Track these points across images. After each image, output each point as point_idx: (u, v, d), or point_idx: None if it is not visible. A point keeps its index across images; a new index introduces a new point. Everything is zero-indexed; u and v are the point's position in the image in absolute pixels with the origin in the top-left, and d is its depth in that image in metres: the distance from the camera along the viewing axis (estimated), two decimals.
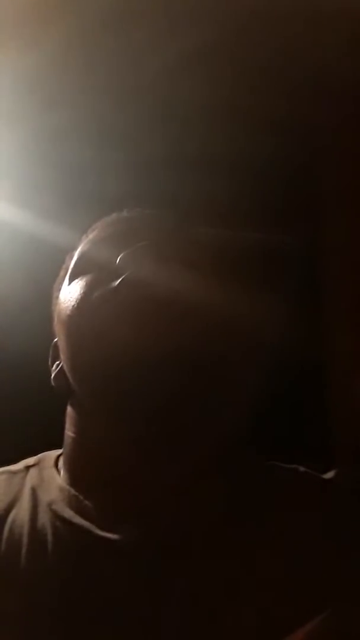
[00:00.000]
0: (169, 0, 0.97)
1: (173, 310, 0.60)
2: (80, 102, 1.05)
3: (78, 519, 0.62)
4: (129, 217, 0.70)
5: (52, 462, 0.70)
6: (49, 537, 0.62)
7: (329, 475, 0.68)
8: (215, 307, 0.63)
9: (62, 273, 0.71)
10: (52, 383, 0.70)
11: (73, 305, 0.64)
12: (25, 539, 0.62)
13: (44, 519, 0.63)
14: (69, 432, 0.68)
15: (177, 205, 0.74)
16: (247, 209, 1.08)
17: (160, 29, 0.98)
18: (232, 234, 0.72)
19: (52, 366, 0.71)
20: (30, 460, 0.71)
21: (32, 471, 0.69)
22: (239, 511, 0.62)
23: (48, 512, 0.64)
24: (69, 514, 0.63)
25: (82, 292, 0.64)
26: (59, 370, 0.69)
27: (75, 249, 0.70)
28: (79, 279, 0.66)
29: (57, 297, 0.69)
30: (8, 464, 0.71)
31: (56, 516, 0.63)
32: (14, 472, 0.70)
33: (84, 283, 0.65)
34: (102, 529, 0.61)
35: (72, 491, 0.65)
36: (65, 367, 0.67)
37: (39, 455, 0.72)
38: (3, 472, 0.70)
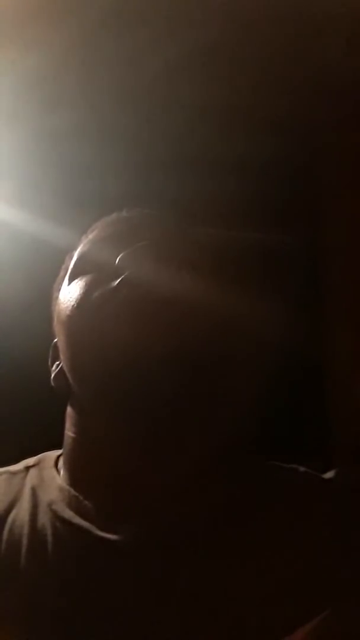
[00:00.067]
0: (169, 1, 0.97)
1: (173, 311, 0.60)
2: (81, 103, 1.05)
3: (78, 519, 0.62)
4: (129, 217, 0.70)
5: (52, 462, 0.70)
6: (49, 538, 0.62)
7: (329, 475, 0.68)
8: (215, 307, 0.63)
9: (62, 273, 0.71)
10: (52, 383, 0.70)
11: (73, 306, 0.64)
12: (25, 540, 0.62)
13: (44, 519, 0.63)
14: (69, 432, 0.68)
15: (177, 205, 0.74)
16: (247, 209, 1.09)
17: (160, 29, 0.98)
18: (232, 234, 0.72)
19: (52, 366, 0.71)
20: (30, 461, 0.71)
21: (32, 471, 0.69)
22: (239, 511, 0.62)
23: (48, 512, 0.64)
24: (68, 514, 0.63)
25: (81, 292, 0.64)
26: (58, 370, 0.69)
27: (75, 249, 0.70)
28: (78, 279, 0.66)
29: (57, 297, 0.69)
30: (8, 464, 0.71)
31: (56, 516, 0.63)
32: (14, 473, 0.70)
33: (84, 283, 0.65)
34: (102, 529, 0.61)
35: (72, 491, 0.65)
36: (65, 367, 0.67)
37: (39, 456, 0.72)
38: (3, 473, 0.70)
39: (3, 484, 0.68)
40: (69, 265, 0.69)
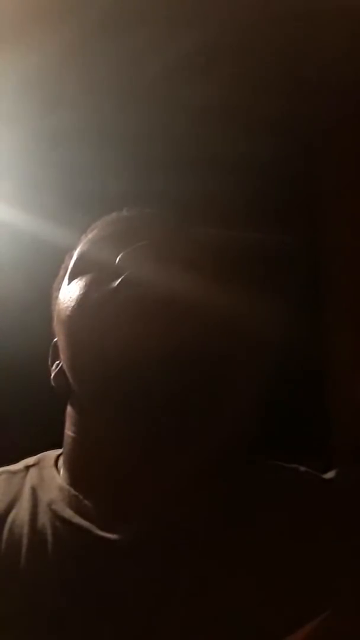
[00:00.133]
0: (169, 1, 0.97)
1: (173, 310, 0.60)
2: (81, 103, 1.05)
3: (78, 519, 0.62)
4: (129, 217, 0.70)
5: (52, 461, 0.70)
6: (49, 537, 0.62)
7: (329, 475, 0.68)
8: (215, 307, 0.63)
9: (61, 273, 0.71)
10: (52, 383, 0.70)
11: (73, 305, 0.64)
12: (25, 539, 0.62)
13: (43, 518, 0.63)
14: (68, 432, 0.68)
15: (177, 205, 0.74)
16: (247, 209, 1.09)
17: (160, 30, 0.98)
18: (233, 233, 0.72)
19: (52, 366, 0.71)
20: (30, 460, 0.71)
21: (32, 471, 0.69)
22: (239, 511, 0.62)
23: (48, 512, 0.64)
24: (68, 513, 0.63)
25: (81, 292, 0.64)
26: (58, 370, 0.69)
27: (75, 248, 0.70)
28: (78, 278, 0.66)
29: (57, 297, 0.69)
30: (8, 464, 0.71)
31: (56, 516, 0.63)
32: (14, 472, 0.70)
33: (84, 283, 0.65)
34: (101, 528, 0.61)
35: (72, 491, 0.65)
36: (65, 367, 0.67)
37: (39, 455, 0.72)
38: (3, 472, 0.70)
39: (3, 483, 0.68)
40: (68, 264, 0.69)
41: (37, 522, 0.63)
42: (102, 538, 0.60)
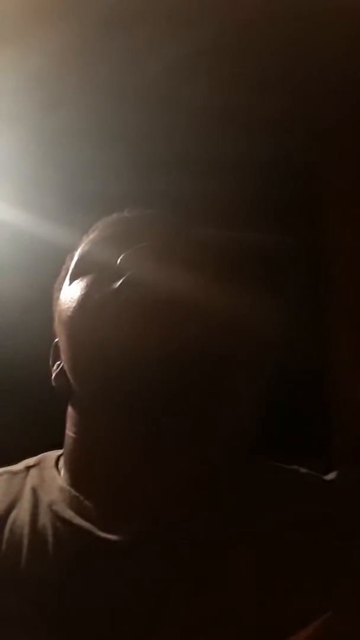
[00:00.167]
0: (169, 1, 0.97)
1: (174, 311, 0.60)
2: (82, 103, 1.05)
3: (78, 520, 0.62)
4: (130, 217, 0.70)
5: (52, 462, 0.70)
6: (50, 538, 0.62)
7: (330, 476, 0.68)
8: (216, 308, 0.63)
9: (62, 273, 0.71)
10: (53, 383, 0.70)
11: (74, 306, 0.64)
12: (25, 540, 0.62)
13: (44, 519, 0.63)
14: (69, 433, 0.68)
15: (178, 206, 0.74)
16: (248, 209, 1.09)
17: (161, 30, 0.98)
18: (233, 234, 0.72)
19: (53, 366, 0.71)
20: (31, 461, 0.71)
21: (33, 471, 0.69)
22: (240, 512, 0.62)
23: (48, 512, 0.64)
24: (69, 514, 0.63)
25: (83, 292, 0.64)
26: (59, 370, 0.69)
27: (76, 249, 0.70)
28: (79, 279, 0.66)
29: (58, 297, 0.69)
30: (9, 464, 0.71)
31: (57, 517, 0.63)
32: (15, 473, 0.70)
33: (85, 284, 0.65)
34: (102, 529, 0.61)
35: (73, 492, 0.65)
36: (66, 368, 0.67)
37: (40, 456, 0.72)
38: (4, 473, 0.70)
39: (4, 483, 0.68)
40: (69, 265, 0.69)
41: (38, 523, 0.63)
42: (103, 539, 0.60)
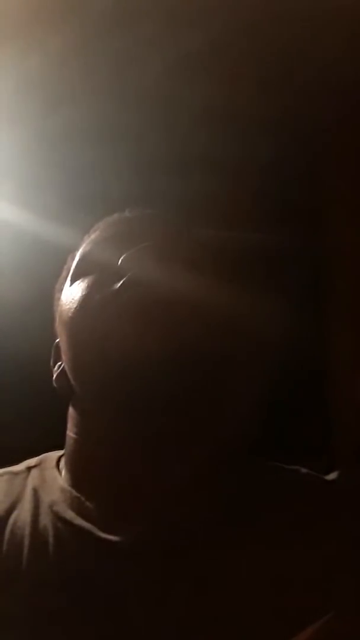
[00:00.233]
0: (169, 1, 0.97)
1: (175, 311, 0.60)
2: (83, 103, 1.05)
3: (79, 520, 0.62)
4: (131, 218, 0.70)
5: (53, 462, 0.70)
6: (51, 539, 0.62)
7: (331, 476, 0.68)
8: (217, 308, 0.63)
9: (64, 273, 0.71)
10: (54, 384, 0.70)
11: (75, 307, 0.64)
12: (26, 540, 0.62)
13: (45, 520, 0.63)
14: (70, 433, 0.68)
15: (179, 206, 0.74)
16: (248, 209, 1.08)
17: (162, 30, 0.98)
18: (234, 234, 0.72)
19: (54, 367, 0.71)
20: (32, 461, 0.71)
21: (34, 472, 0.69)
22: (240, 512, 0.62)
23: (49, 513, 0.64)
24: (70, 515, 0.63)
25: (84, 293, 0.64)
26: (60, 371, 0.69)
27: (77, 249, 0.70)
28: (80, 279, 0.66)
29: (59, 297, 0.69)
30: (10, 465, 0.71)
31: (57, 517, 0.63)
32: (16, 473, 0.70)
33: (86, 284, 0.65)
34: (103, 530, 0.61)
35: (74, 492, 0.65)
36: (67, 368, 0.67)
37: (41, 456, 0.72)
38: (5, 473, 0.70)
39: (5, 484, 0.68)
40: (71, 265, 0.69)
41: (39, 524, 0.63)
42: (104, 539, 0.61)
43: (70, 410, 0.68)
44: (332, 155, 1.24)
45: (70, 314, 0.65)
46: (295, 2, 0.98)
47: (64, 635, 0.58)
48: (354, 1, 0.97)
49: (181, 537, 0.60)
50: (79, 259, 0.68)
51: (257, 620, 0.56)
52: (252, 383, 0.71)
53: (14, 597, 0.60)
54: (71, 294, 0.66)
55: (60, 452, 0.70)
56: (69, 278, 0.68)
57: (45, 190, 1.06)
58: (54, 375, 0.70)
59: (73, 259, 0.70)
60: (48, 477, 0.68)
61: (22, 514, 0.64)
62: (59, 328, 0.68)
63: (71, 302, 0.65)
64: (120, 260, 0.63)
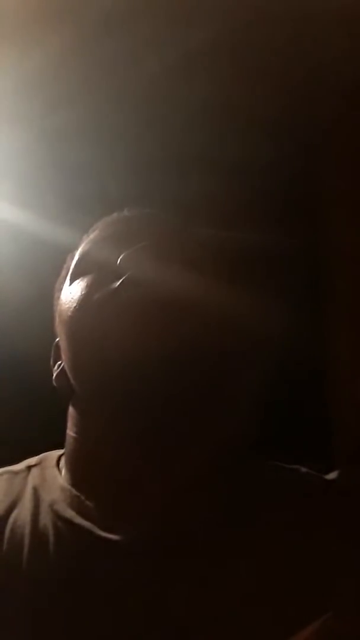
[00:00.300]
0: (169, 1, 0.97)
1: (174, 311, 0.60)
2: (82, 103, 1.05)
3: (79, 520, 0.62)
4: (130, 217, 0.70)
5: (53, 462, 0.70)
6: (51, 538, 0.62)
7: (331, 476, 0.68)
8: (216, 307, 0.63)
9: (63, 273, 0.71)
10: (54, 383, 0.70)
11: (74, 306, 0.64)
12: (26, 539, 0.62)
13: (45, 519, 0.63)
14: (70, 432, 0.68)
15: (177, 206, 0.74)
16: (247, 209, 1.08)
17: (160, 30, 0.98)
18: (233, 234, 0.72)
19: (54, 366, 0.71)
20: (32, 460, 0.71)
21: (34, 471, 0.69)
22: (240, 511, 0.62)
23: (49, 512, 0.64)
24: (70, 514, 0.63)
25: (83, 292, 0.64)
26: (60, 370, 0.69)
27: (76, 248, 0.71)
28: (80, 279, 0.66)
29: (59, 297, 0.69)
30: (10, 464, 0.71)
31: (57, 516, 0.63)
32: (16, 472, 0.70)
33: (85, 284, 0.65)
34: (103, 529, 0.61)
35: (74, 491, 0.65)
36: (66, 368, 0.67)
37: (41, 455, 0.72)
38: (5, 472, 0.70)
39: (5, 483, 0.68)
40: (70, 265, 0.69)
41: (39, 523, 0.63)
42: (104, 538, 0.61)
43: (70, 409, 0.68)
44: (331, 155, 1.23)
45: (69, 313, 0.65)
46: (295, 2, 0.98)
47: (64, 634, 0.58)
48: (354, 1, 0.97)
49: (181, 536, 0.60)
50: (78, 259, 0.69)
51: (257, 620, 0.56)
52: (251, 382, 0.71)
53: (14, 596, 0.60)
54: (70, 293, 0.66)
55: (61, 451, 0.70)
56: (68, 277, 0.68)
57: (44, 190, 1.06)
58: (54, 375, 0.70)
59: (72, 258, 0.70)
60: (48, 476, 0.68)
61: (22, 513, 0.64)
62: (59, 327, 0.68)
63: (70, 301, 0.65)
64: (119, 260, 0.63)
